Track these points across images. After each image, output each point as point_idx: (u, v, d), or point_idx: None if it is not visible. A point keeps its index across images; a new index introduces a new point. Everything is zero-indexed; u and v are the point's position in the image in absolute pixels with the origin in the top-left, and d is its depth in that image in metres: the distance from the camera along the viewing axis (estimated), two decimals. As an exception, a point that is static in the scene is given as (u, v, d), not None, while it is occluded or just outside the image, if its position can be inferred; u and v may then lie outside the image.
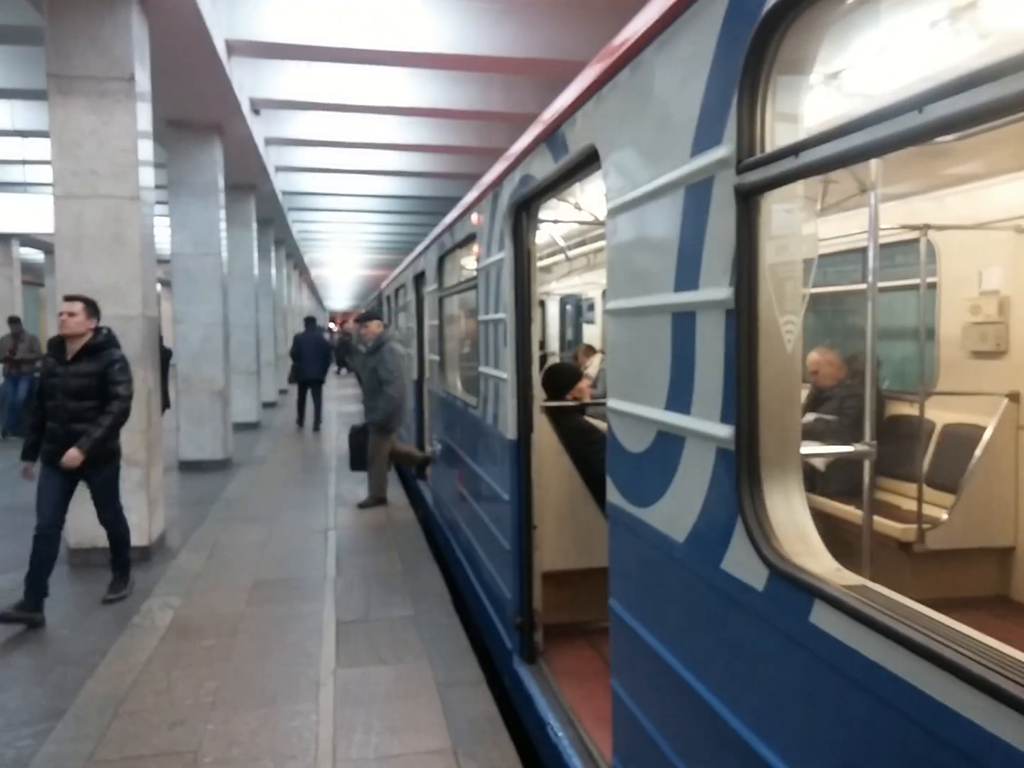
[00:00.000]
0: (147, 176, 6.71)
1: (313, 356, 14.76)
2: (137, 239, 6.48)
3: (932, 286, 4.72)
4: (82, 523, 6.48)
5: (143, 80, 6.65)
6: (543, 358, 9.83)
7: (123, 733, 3.86)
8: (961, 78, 1.13)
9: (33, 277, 30.50)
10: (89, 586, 6.04)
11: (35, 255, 27.37)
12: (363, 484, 10.05)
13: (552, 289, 13.41)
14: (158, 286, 8.13)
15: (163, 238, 11.51)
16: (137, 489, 6.57)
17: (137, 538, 6.58)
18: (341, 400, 21.34)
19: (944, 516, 4.23)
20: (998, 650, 1.20)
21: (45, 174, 8.07)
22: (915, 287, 4.63)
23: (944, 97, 1.17)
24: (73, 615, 5.47)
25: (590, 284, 11.47)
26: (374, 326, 8.62)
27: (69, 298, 5.46)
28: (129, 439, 6.45)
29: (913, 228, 4.39)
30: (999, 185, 4.31)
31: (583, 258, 9.45)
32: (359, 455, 8.85)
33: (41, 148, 12.85)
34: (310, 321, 16.05)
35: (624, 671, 2.63)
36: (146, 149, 6.71)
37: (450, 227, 6.09)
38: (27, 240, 23.33)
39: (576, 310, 13.78)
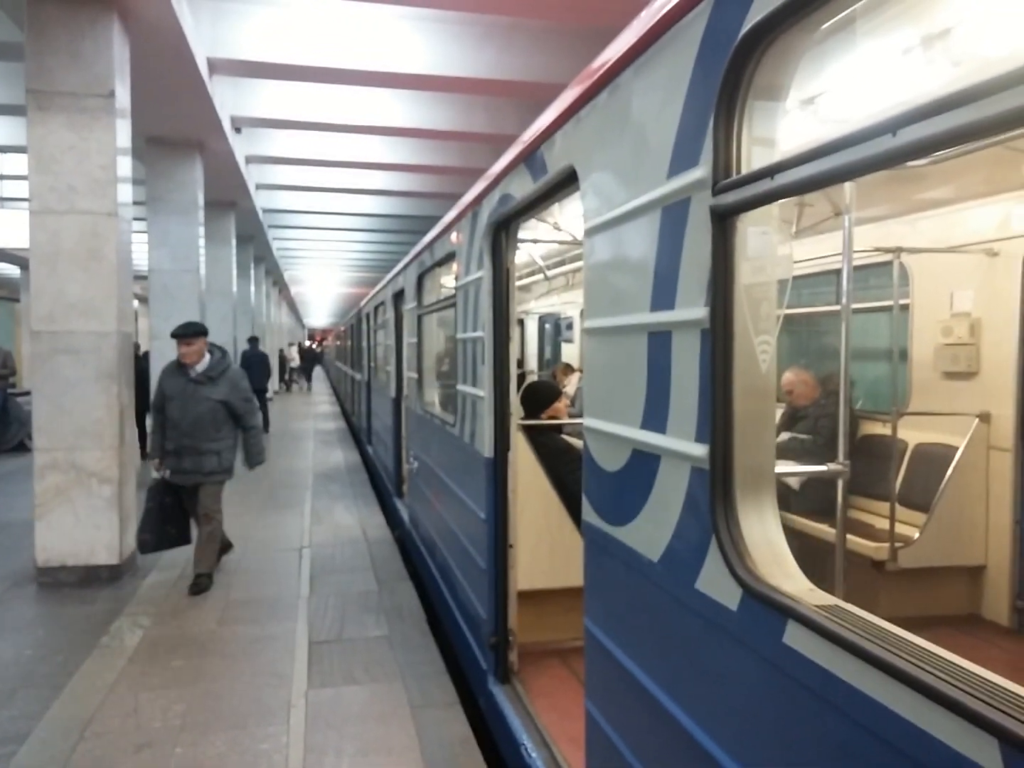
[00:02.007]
0: (125, 192, 6.68)
1: (258, 369, 16.35)
2: (114, 255, 6.44)
3: (905, 308, 4.79)
4: (51, 541, 6.40)
5: (123, 97, 6.65)
6: (521, 376, 9.85)
7: (89, 756, 3.78)
8: (934, 102, 1.15)
9: (8, 292, 30.25)
10: (57, 606, 5.94)
11: (11, 270, 27.14)
12: (340, 500, 9.93)
13: (531, 308, 13.48)
14: (135, 302, 8.06)
15: (141, 254, 11.47)
16: (108, 507, 6.48)
17: (107, 557, 6.51)
18: (300, 417, 21.24)
19: (916, 535, 4.28)
20: (970, 671, 1.21)
21: (21, 189, 8.02)
22: (888, 309, 4.70)
23: (917, 120, 1.18)
24: (40, 636, 5.36)
25: (569, 303, 11.54)
26: (201, 344, 6.23)
27: None
28: (101, 456, 6.39)
29: (886, 251, 4.47)
30: (970, 209, 4.40)
31: (562, 278, 9.50)
32: (168, 525, 6.22)
33: (18, 163, 12.80)
34: (253, 340, 17.64)
35: (598, 691, 2.61)
36: (125, 165, 6.69)
37: (430, 245, 6.10)
38: (2, 255, 23.10)
39: (555, 329, 13.85)
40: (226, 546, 6.89)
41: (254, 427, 6.42)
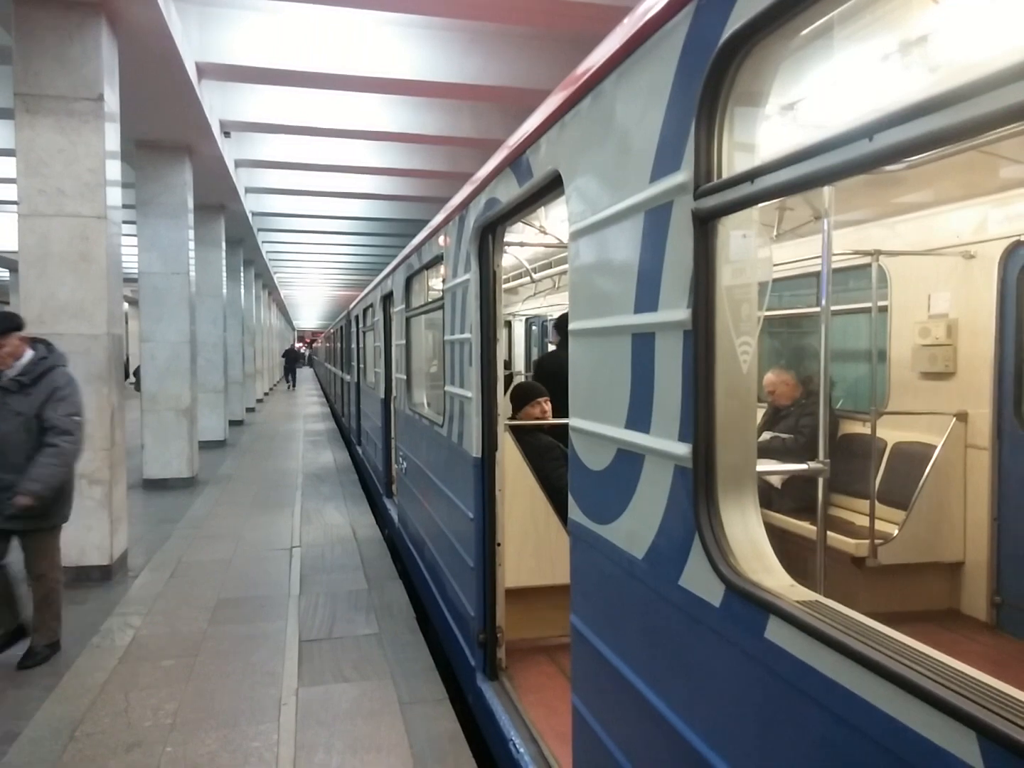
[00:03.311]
0: (114, 196, 6.70)
1: None
2: (103, 258, 6.46)
3: (883, 309, 4.86)
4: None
5: (112, 101, 6.66)
6: (508, 378, 9.90)
7: (79, 756, 3.81)
8: (909, 107, 1.18)
9: (-3, 295, 30.08)
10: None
11: (0, 272, 26.99)
12: (330, 500, 9.94)
13: (518, 310, 13.53)
14: (125, 305, 8.04)
15: (131, 257, 11.46)
16: (99, 508, 6.50)
17: (98, 557, 6.53)
18: (288, 418, 21.21)
19: (895, 532, 4.34)
20: (948, 665, 1.23)
21: (10, 192, 8.02)
22: (867, 310, 4.77)
23: (893, 125, 1.21)
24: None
25: (555, 306, 11.59)
26: (15, 343, 4.72)
27: None
28: (92, 457, 6.40)
29: (865, 254, 4.53)
30: (947, 213, 4.46)
31: (548, 280, 9.55)
32: None
33: (7, 167, 12.74)
34: None
35: (585, 687, 2.64)
36: (114, 169, 6.70)
37: (418, 248, 6.14)
38: (-10, 258, 22.98)
39: (541, 331, 13.90)
40: (25, 630, 5.00)
41: (54, 445, 4.65)
